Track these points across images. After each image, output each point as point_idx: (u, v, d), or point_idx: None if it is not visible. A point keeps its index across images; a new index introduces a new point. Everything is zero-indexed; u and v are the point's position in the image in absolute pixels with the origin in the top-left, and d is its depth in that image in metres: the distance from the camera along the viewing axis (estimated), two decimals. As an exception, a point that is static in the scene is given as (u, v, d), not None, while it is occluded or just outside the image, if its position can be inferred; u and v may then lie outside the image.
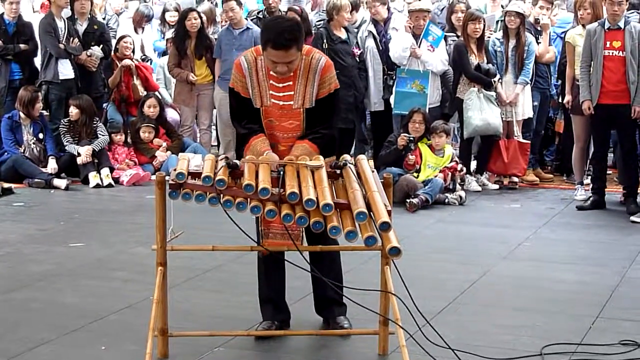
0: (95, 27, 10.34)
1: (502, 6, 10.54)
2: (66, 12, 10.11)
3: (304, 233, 4.48)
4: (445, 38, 9.57)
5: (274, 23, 4.45)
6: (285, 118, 4.52)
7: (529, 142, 9.41)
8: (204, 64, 10.35)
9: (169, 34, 10.92)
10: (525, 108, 9.42)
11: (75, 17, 10.21)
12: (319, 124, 4.53)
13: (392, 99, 9.49)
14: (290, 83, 4.49)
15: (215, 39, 10.42)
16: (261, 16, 10.48)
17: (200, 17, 10.34)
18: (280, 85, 4.49)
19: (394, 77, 9.52)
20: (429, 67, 9.38)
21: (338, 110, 4.66)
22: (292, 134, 4.54)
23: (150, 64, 11.16)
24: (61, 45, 9.81)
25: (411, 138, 8.70)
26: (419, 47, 9.36)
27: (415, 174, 8.58)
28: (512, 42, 9.33)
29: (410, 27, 9.47)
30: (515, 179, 9.45)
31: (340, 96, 4.79)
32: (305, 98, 4.50)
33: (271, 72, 4.46)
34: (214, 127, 11.04)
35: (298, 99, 4.50)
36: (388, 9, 9.93)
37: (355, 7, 10.15)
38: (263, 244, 4.42)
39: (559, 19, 10.39)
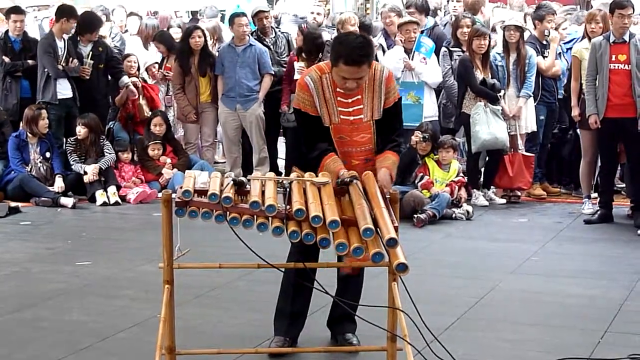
0: (100, 49, 10.31)
1: (502, 21, 10.54)
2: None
3: None
4: (451, 53, 9.59)
5: (346, 40, 4.45)
6: (357, 132, 4.55)
7: (533, 155, 9.41)
8: (207, 81, 10.37)
9: None
10: (529, 121, 9.42)
11: (78, 39, 10.20)
12: (389, 132, 4.59)
13: None
14: (359, 97, 4.52)
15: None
16: (255, 37, 10.45)
17: (204, 35, 10.36)
18: (349, 100, 4.52)
19: None
20: (423, 78, 9.43)
21: (402, 117, 4.71)
22: (364, 147, 4.58)
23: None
24: (59, 66, 9.81)
25: (425, 136, 8.71)
26: (412, 59, 9.41)
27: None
28: (512, 56, 9.33)
29: (401, 40, 9.51)
30: (519, 193, 9.44)
31: None
32: (374, 110, 4.54)
33: (338, 89, 4.49)
34: (218, 143, 11.03)
35: (367, 112, 4.54)
36: None
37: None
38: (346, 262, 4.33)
39: (568, 32, 10.37)
